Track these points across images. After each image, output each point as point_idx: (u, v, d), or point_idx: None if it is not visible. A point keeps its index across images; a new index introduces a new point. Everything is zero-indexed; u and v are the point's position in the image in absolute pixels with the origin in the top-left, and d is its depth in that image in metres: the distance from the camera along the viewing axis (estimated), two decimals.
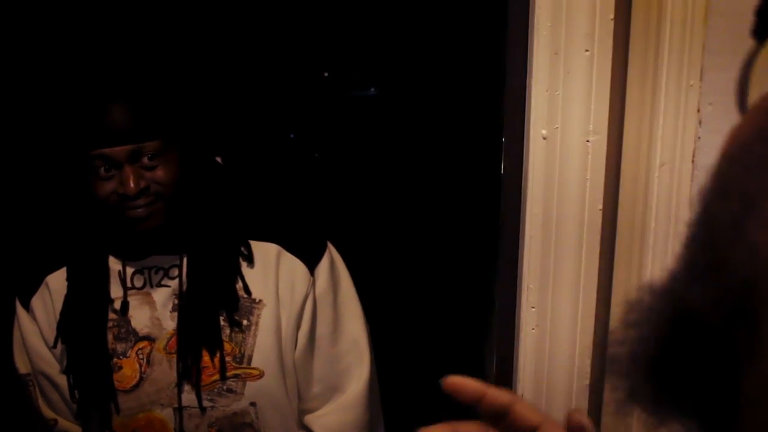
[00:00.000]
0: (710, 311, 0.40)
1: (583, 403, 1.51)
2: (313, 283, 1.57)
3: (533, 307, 1.48)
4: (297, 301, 1.56)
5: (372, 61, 3.88)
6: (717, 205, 0.41)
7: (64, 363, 1.55)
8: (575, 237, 1.42)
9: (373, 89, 3.97)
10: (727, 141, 0.43)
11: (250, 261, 1.55)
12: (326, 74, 4.01)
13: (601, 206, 1.40)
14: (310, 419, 1.64)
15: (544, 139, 1.39)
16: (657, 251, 1.38)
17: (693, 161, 1.29)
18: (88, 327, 1.52)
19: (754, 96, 0.44)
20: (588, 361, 1.48)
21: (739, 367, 0.38)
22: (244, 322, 1.53)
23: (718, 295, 0.40)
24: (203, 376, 1.52)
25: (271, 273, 1.55)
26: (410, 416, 2.85)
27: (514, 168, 1.48)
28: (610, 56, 1.33)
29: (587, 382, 1.50)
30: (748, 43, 0.43)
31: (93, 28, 2.82)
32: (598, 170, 1.38)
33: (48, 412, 1.61)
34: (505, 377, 1.60)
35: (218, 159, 1.66)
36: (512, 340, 1.56)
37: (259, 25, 3.64)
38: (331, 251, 1.64)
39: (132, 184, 1.38)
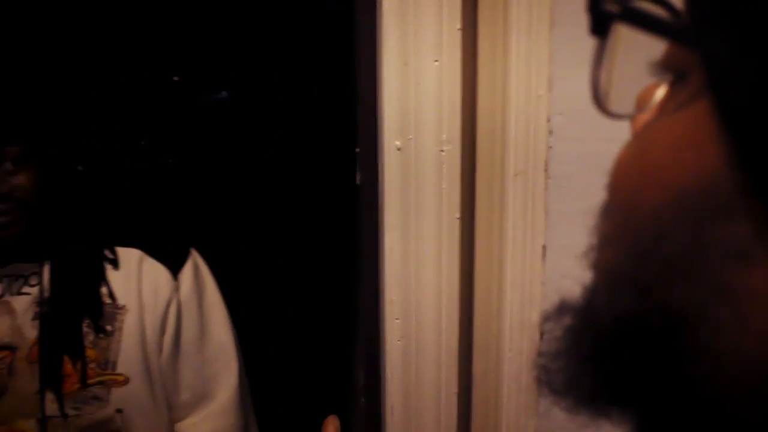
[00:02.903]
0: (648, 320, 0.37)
1: (452, 412, 1.51)
2: (177, 288, 1.56)
3: (397, 319, 1.47)
4: (160, 305, 1.54)
5: (223, 65, 3.81)
6: (636, 307, 0.37)
7: None
8: (434, 247, 1.41)
9: (224, 93, 3.89)
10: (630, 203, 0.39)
11: (116, 264, 1.53)
12: (177, 79, 3.90)
13: (458, 215, 1.40)
14: (181, 428, 1.62)
15: (399, 149, 1.38)
16: (516, 257, 1.40)
17: (546, 170, 1.30)
18: None
19: (618, 94, 0.42)
20: (455, 369, 1.49)
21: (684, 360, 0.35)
22: (108, 327, 1.50)
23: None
24: (66, 384, 1.48)
25: (134, 278, 1.54)
26: (283, 422, 2.83)
27: (370, 179, 1.46)
28: (459, 66, 1.32)
29: (455, 390, 1.50)
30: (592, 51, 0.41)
31: None
32: (454, 179, 1.38)
33: None
34: (374, 390, 1.59)
35: (80, 167, 1.65)
36: (378, 353, 1.55)
37: (108, 30, 3.51)
38: (195, 257, 1.63)
39: None
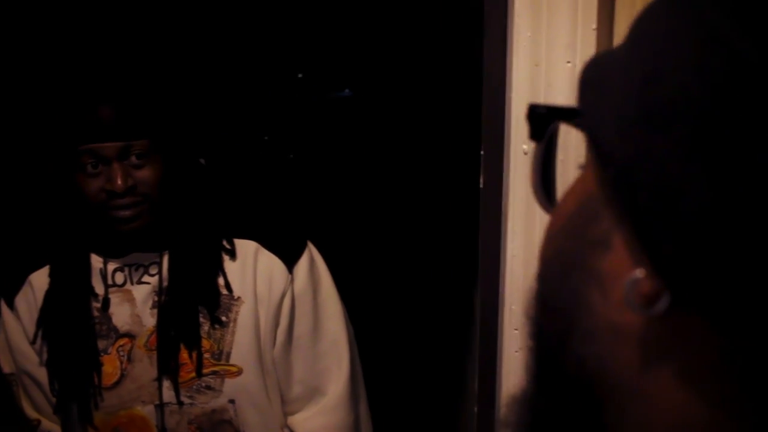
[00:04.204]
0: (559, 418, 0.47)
1: None
2: (292, 281, 1.57)
3: (516, 329, 1.42)
4: (275, 298, 1.55)
5: (347, 63, 3.81)
6: (543, 321, 0.49)
7: (44, 358, 1.55)
8: None
9: (347, 90, 3.90)
10: (543, 246, 0.50)
11: (233, 255, 1.55)
12: (301, 75, 3.94)
13: None
14: (293, 422, 1.63)
15: (525, 154, 1.33)
16: None
17: None
18: (70, 323, 1.53)
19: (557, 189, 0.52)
20: None
21: None
22: (223, 318, 1.53)
23: (560, 404, 0.47)
24: (182, 373, 1.52)
25: (249, 270, 1.55)
26: (395, 421, 2.81)
27: (494, 184, 1.42)
28: None
29: None
30: None
31: (90, 25, 2.78)
32: None
33: (31, 413, 1.61)
34: (488, 399, 1.55)
35: (201, 161, 1.69)
36: (494, 363, 1.50)
37: (232, 26, 3.57)
38: (312, 250, 1.63)
39: (120, 181, 1.39)
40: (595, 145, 0.43)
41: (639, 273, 0.38)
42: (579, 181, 0.48)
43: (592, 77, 0.47)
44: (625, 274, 0.40)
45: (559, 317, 0.46)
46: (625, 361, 0.41)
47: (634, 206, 0.39)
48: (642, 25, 0.44)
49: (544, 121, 0.51)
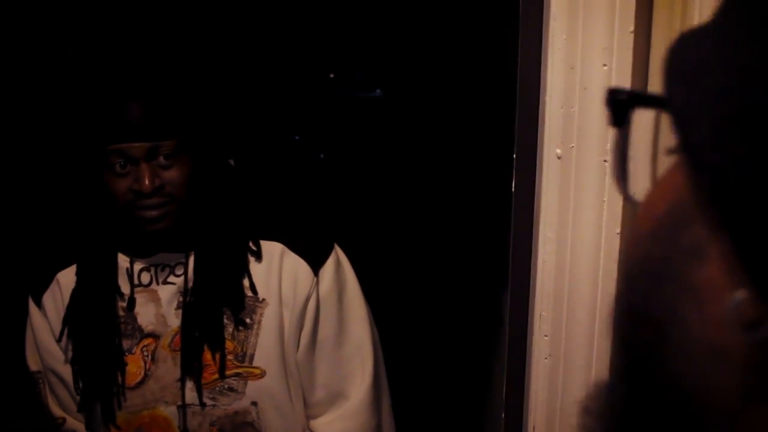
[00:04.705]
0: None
1: None
2: (317, 284, 1.56)
3: (546, 336, 1.40)
4: (299, 300, 1.55)
5: (378, 63, 3.81)
6: (630, 330, 0.46)
7: (69, 356, 1.56)
8: (591, 263, 1.33)
9: (378, 91, 3.89)
10: (629, 249, 0.47)
11: (259, 257, 1.54)
12: (332, 75, 3.94)
13: (619, 230, 1.31)
14: (315, 426, 1.63)
15: (559, 158, 1.31)
16: None
17: None
18: (96, 321, 1.53)
19: (639, 178, 0.49)
20: None
21: None
22: (247, 320, 1.52)
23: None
24: (205, 374, 1.52)
25: (274, 272, 1.55)
26: (423, 424, 2.79)
27: (526, 188, 1.40)
28: (629, 72, 1.24)
29: None
30: None
31: (117, 26, 2.80)
32: (616, 192, 1.30)
33: (57, 410, 1.62)
34: (516, 406, 1.53)
35: (230, 161, 1.68)
36: (523, 369, 1.49)
37: (264, 26, 3.58)
38: (338, 253, 1.62)
39: (147, 181, 1.39)
40: (686, 145, 0.39)
41: (741, 294, 0.35)
42: (667, 179, 0.44)
43: (679, 63, 0.42)
44: (723, 289, 0.36)
45: (648, 328, 0.43)
46: (725, 383, 0.38)
47: (733, 219, 0.35)
48: (735, 5, 0.39)
49: (624, 107, 0.46)
